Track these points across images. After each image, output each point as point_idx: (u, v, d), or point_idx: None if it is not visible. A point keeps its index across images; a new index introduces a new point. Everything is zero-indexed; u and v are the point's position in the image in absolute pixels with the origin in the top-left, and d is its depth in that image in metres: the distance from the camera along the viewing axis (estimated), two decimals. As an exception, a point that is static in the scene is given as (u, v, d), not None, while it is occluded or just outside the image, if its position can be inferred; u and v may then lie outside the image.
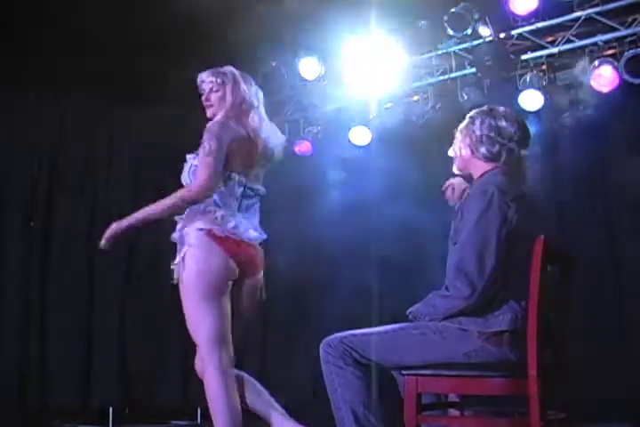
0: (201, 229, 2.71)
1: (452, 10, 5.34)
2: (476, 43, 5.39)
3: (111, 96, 5.93)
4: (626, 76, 4.91)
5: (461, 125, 2.59)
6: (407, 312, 2.42)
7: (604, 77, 5.01)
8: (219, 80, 2.84)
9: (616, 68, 4.96)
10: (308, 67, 5.84)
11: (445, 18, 5.37)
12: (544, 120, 5.22)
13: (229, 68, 2.88)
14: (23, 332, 5.38)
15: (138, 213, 2.83)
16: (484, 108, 2.56)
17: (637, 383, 4.74)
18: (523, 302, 2.29)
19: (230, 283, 2.72)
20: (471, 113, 2.57)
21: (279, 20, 5.11)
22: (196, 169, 2.73)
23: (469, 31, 5.39)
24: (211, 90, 2.85)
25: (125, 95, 5.92)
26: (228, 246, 2.69)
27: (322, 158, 6.08)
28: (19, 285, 5.43)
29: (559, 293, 2.44)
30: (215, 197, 2.73)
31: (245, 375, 2.79)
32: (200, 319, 2.66)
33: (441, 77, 5.72)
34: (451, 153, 2.63)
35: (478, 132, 2.49)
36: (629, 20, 5.03)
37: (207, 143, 2.68)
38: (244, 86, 2.84)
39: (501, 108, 2.53)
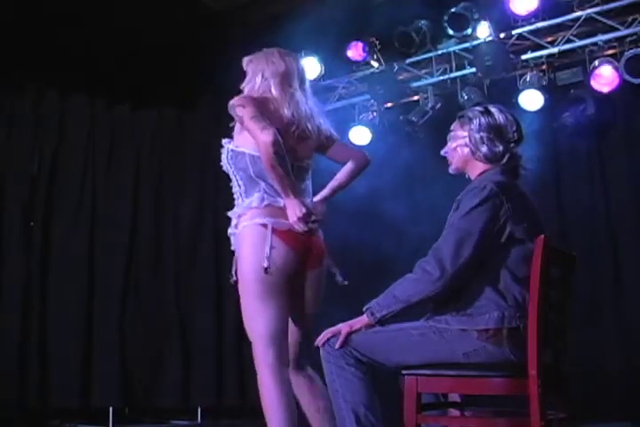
0: (262, 225, 2.58)
1: (452, 10, 5.35)
2: (475, 43, 5.39)
3: (111, 96, 5.93)
4: (626, 76, 4.91)
5: (455, 125, 2.58)
6: (364, 309, 2.41)
7: (604, 77, 5.01)
8: (250, 65, 2.82)
9: (616, 68, 4.96)
10: (308, 66, 5.84)
11: (445, 18, 5.38)
12: (544, 120, 5.22)
13: (262, 50, 2.84)
14: (23, 332, 5.37)
15: (281, 186, 2.58)
16: (479, 107, 2.55)
17: (637, 383, 4.74)
18: (509, 300, 2.29)
19: (290, 279, 2.60)
20: (467, 112, 2.55)
21: (279, 20, 5.12)
22: (233, 154, 2.68)
23: (469, 31, 5.40)
24: (244, 75, 2.83)
25: (125, 95, 5.92)
26: (290, 240, 2.58)
27: (322, 158, 6.07)
28: (18, 285, 5.42)
29: (559, 292, 2.43)
30: (263, 185, 2.64)
31: (318, 382, 2.66)
32: (255, 318, 2.56)
33: (441, 77, 5.73)
34: (445, 153, 2.62)
35: (478, 133, 2.48)
36: (629, 19, 5.04)
37: (240, 111, 2.59)
38: (263, 63, 2.77)
39: (495, 108, 2.53)
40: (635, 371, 4.78)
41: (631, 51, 4.91)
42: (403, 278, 2.38)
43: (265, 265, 2.52)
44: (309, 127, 2.75)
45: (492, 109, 2.52)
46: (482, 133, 2.47)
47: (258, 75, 2.77)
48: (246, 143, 2.66)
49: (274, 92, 2.73)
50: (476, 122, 2.49)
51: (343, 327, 2.42)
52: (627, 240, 5.05)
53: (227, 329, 5.86)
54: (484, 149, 2.47)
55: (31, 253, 5.52)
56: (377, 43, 5.78)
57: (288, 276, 2.59)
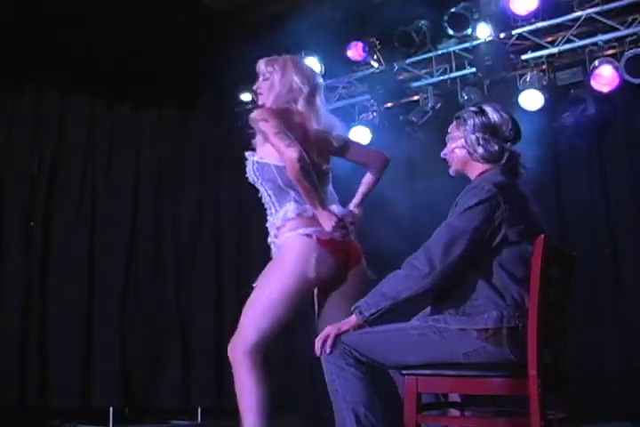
0: (307, 235, 2.66)
1: (452, 10, 5.35)
2: (475, 43, 5.39)
3: (111, 96, 5.93)
4: (626, 76, 4.91)
5: (452, 127, 2.58)
6: (352, 308, 2.40)
7: (604, 77, 5.01)
8: (269, 68, 2.83)
9: (616, 68, 4.96)
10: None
11: (445, 18, 5.38)
12: (544, 120, 5.21)
13: (285, 56, 2.88)
14: (23, 332, 5.37)
15: (312, 204, 2.67)
16: (474, 108, 2.55)
17: (637, 383, 4.74)
18: (508, 299, 2.29)
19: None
20: (462, 114, 2.54)
21: (279, 20, 5.12)
22: (259, 166, 2.73)
23: (469, 31, 5.40)
24: (263, 78, 2.85)
25: (125, 95, 5.92)
26: (332, 248, 2.68)
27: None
28: (18, 285, 5.42)
29: (559, 292, 2.43)
30: (293, 194, 2.71)
31: None
32: (260, 320, 2.64)
33: (441, 77, 5.73)
34: (444, 155, 2.62)
35: (474, 134, 2.47)
36: (629, 19, 5.04)
37: (263, 126, 2.65)
38: (292, 74, 2.80)
39: (490, 107, 2.52)
40: (635, 371, 4.77)
41: (631, 51, 4.91)
42: (391, 275, 2.37)
43: (312, 275, 2.62)
44: (332, 137, 2.83)
45: (487, 109, 2.51)
46: (477, 134, 2.47)
47: (286, 84, 2.80)
48: (270, 155, 2.71)
49: (300, 105, 2.78)
50: (470, 123, 2.48)
51: (330, 330, 2.41)
52: (627, 240, 5.05)
53: (227, 329, 5.84)
54: (481, 149, 2.47)
55: (31, 253, 5.52)
56: (377, 43, 5.78)
57: (324, 282, 2.70)
